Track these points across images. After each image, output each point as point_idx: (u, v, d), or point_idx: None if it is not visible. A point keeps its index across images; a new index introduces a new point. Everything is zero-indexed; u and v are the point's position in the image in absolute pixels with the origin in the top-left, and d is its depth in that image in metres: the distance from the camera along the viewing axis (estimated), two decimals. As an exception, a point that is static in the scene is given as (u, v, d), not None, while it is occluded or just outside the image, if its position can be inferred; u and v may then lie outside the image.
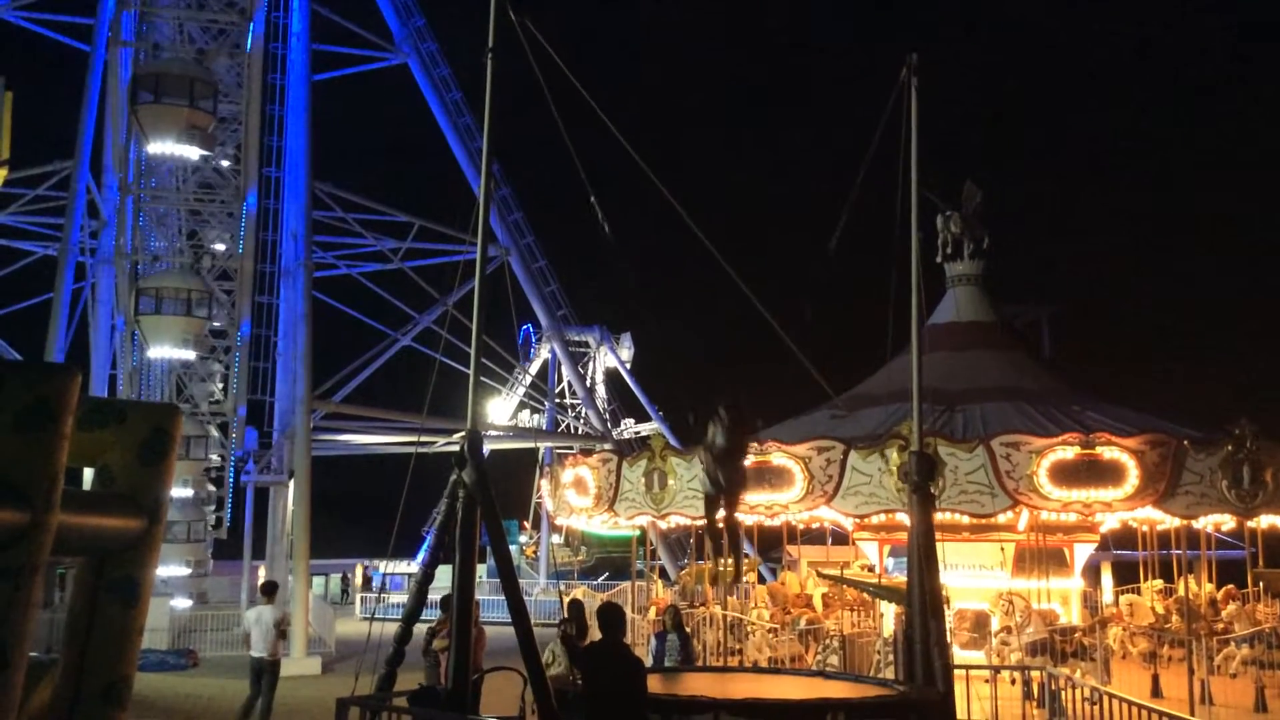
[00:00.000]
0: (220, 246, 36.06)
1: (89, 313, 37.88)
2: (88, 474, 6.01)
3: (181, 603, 31.71)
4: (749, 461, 14.09)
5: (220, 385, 36.13)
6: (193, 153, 34.17)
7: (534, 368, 54.36)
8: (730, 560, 13.11)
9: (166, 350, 33.38)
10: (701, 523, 22.19)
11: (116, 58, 35.65)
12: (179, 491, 32.48)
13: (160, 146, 33.69)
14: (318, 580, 43.53)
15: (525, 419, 54.27)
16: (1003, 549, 21.46)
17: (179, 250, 35.90)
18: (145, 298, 33.42)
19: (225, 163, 36.42)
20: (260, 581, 24.05)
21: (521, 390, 53.23)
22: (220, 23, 36.07)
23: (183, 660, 26.83)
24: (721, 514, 12.73)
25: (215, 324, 36.07)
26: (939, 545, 12.29)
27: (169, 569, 32.35)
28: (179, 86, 33.61)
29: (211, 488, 35.91)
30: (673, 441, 31.90)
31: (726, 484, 12.40)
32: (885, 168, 12.69)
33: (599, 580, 47.13)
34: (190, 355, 33.83)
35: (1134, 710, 11.92)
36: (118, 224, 35.22)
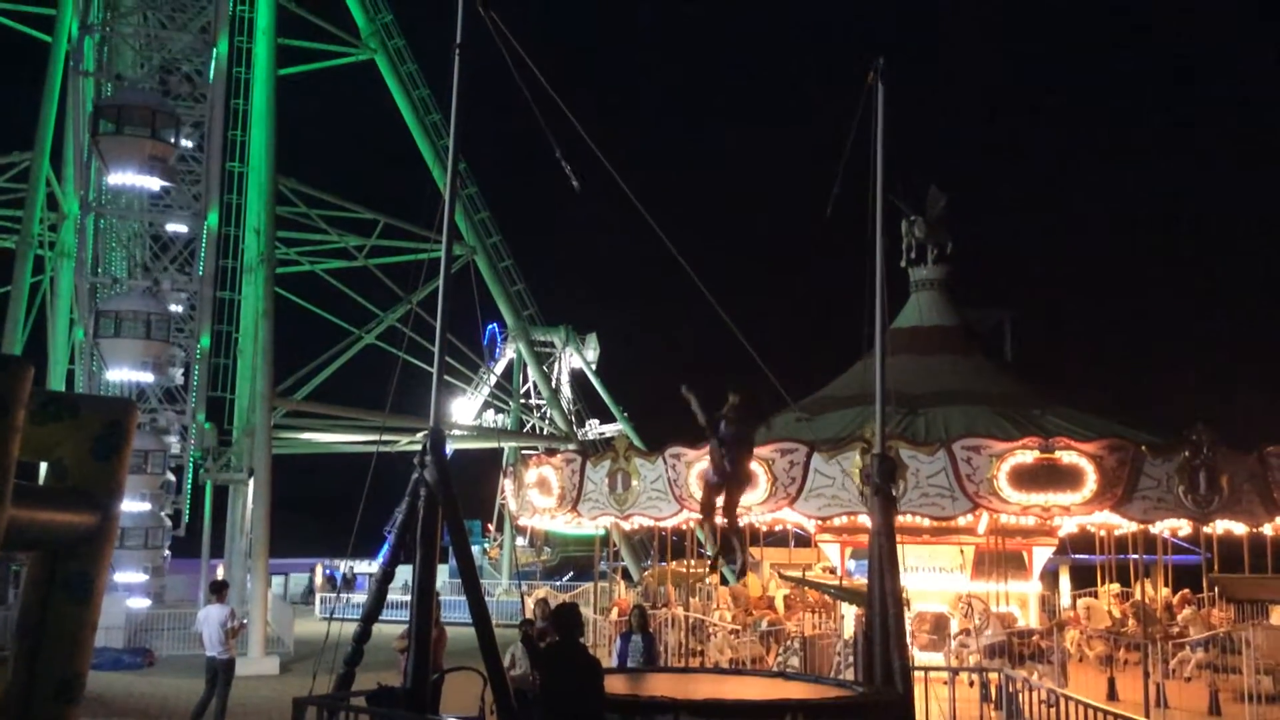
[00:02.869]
0: (182, 228, 35.75)
1: (48, 307, 37.39)
2: (42, 469, 5.92)
3: (138, 602, 31.35)
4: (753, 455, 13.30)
5: (180, 370, 35.79)
6: (153, 183, 34.11)
7: (499, 367, 54.17)
8: (722, 551, 12.59)
9: (125, 373, 33.18)
10: (665, 524, 22.29)
11: (78, 83, 35.34)
12: (136, 505, 32.24)
13: (121, 177, 33.66)
14: (277, 580, 43.19)
15: (490, 419, 54.07)
16: (962, 552, 21.61)
17: (138, 237, 35.51)
18: (105, 320, 33.29)
19: (188, 143, 36.16)
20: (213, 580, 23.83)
21: (486, 390, 53.02)
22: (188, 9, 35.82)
23: (139, 659, 26.54)
24: (721, 506, 12.17)
25: (176, 308, 35.79)
26: (900, 548, 12.35)
27: (126, 574, 31.99)
28: (140, 117, 33.54)
29: (171, 477, 35.58)
30: (636, 442, 31.92)
31: (732, 474, 11.87)
32: (851, 171, 12.73)
33: (562, 580, 47.06)
34: (149, 378, 33.60)
35: (1090, 713, 12.03)
36: (79, 243, 35.00)
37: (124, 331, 33.07)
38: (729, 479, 11.88)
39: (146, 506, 33.59)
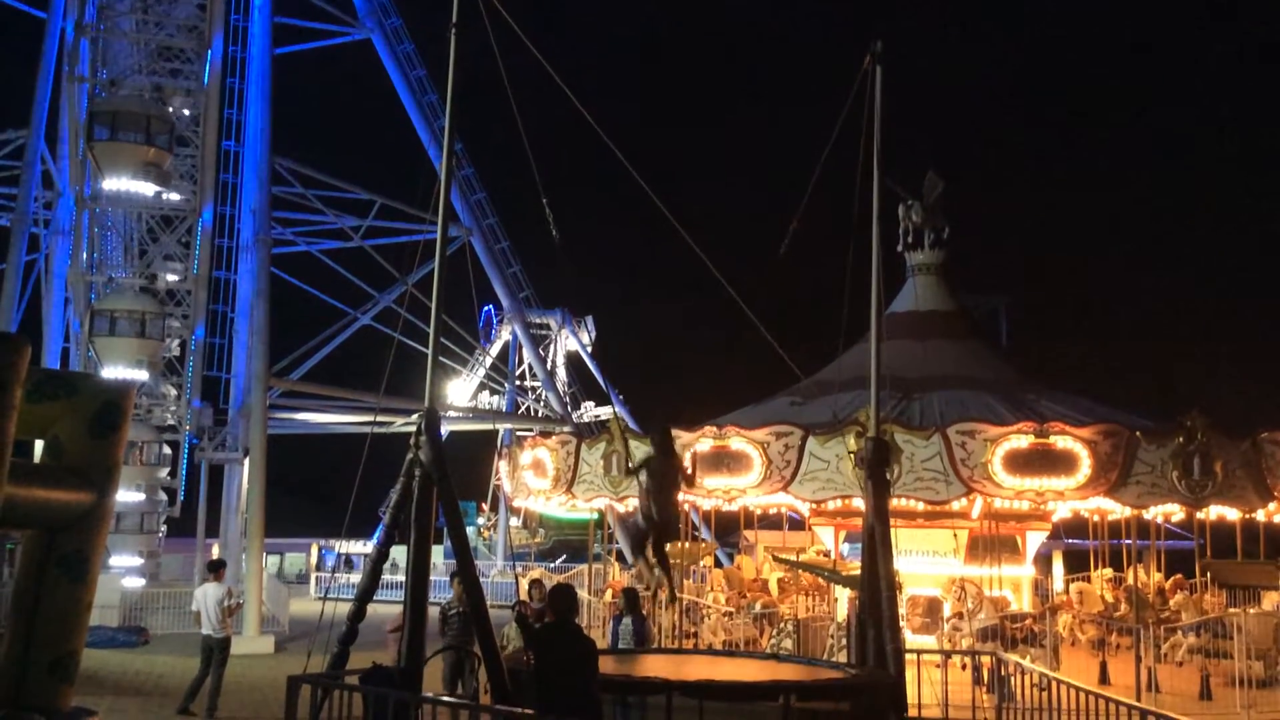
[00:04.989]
0: (177, 196, 35.81)
1: (43, 285, 37.33)
2: (38, 446, 5.90)
3: (133, 581, 31.41)
4: (682, 492, 12.99)
5: (177, 342, 35.83)
6: (148, 189, 34.18)
7: (495, 349, 54.15)
8: (664, 581, 12.57)
9: (120, 371, 33.29)
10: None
11: (73, 88, 35.16)
12: (130, 495, 32.43)
13: (116, 183, 33.74)
14: (272, 559, 43.26)
15: (485, 401, 54.09)
16: (956, 536, 21.68)
17: (135, 214, 35.49)
18: (100, 318, 33.44)
19: (186, 111, 36.18)
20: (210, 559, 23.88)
21: (481, 372, 53.02)
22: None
23: (133, 638, 26.58)
24: (650, 545, 12.03)
25: (172, 278, 35.82)
26: (894, 531, 12.38)
27: (122, 558, 32.07)
28: (135, 123, 33.65)
29: (167, 450, 35.66)
30: (632, 425, 31.95)
31: (658, 519, 11.74)
32: (847, 154, 12.70)
33: (556, 563, 47.15)
34: (144, 375, 33.71)
35: (1082, 696, 12.07)
36: (74, 240, 35.04)
37: (119, 330, 33.27)
38: (654, 524, 11.78)
39: (141, 497, 33.77)
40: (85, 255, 34.86)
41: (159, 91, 36.02)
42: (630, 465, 12.92)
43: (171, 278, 35.82)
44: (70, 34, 35.34)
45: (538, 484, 23.34)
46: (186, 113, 36.28)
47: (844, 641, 16.53)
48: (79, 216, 34.66)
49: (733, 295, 12.97)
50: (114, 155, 33.38)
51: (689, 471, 13.31)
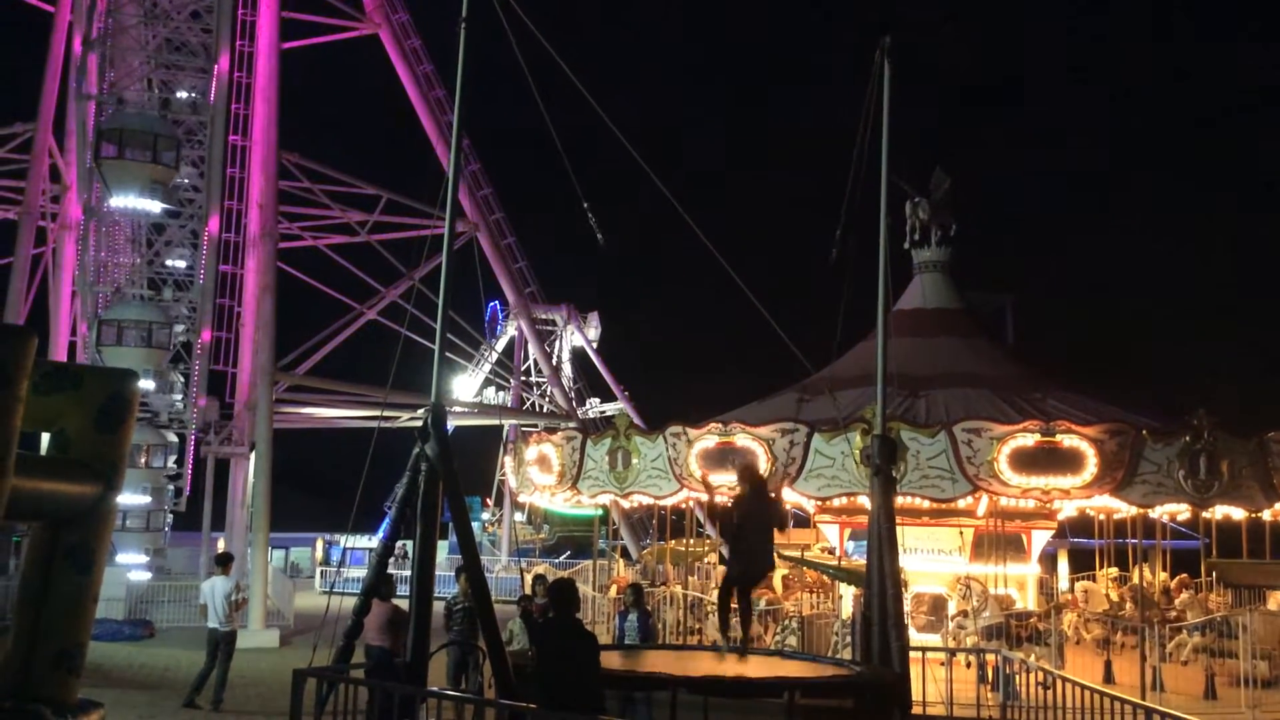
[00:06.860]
0: (184, 181, 35.94)
1: (49, 278, 37.40)
2: (45, 439, 5.90)
3: (139, 574, 31.49)
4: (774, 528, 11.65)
5: (182, 329, 35.91)
6: (154, 206, 34.41)
7: (500, 345, 54.20)
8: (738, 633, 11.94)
9: None
10: (665, 502, 22.32)
11: (82, 106, 35.19)
12: (136, 498, 32.62)
13: (123, 200, 33.91)
14: (277, 554, 43.30)
15: (490, 396, 54.14)
16: (962, 534, 21.66)
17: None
18: (107, 328, 33.71)
19: (186, 94, 36.27)
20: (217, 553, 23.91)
21: (487, 367, 53.08)
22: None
23: (139, 630, 26.62)
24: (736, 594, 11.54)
25: (181, 264, 35.92)
26: (899, 529, 12.36)
27: (127, 556, 32.23)
28: (142, 141, 34.01)
29: (174, 438, 35.80)
30: (637, 421, 31.92)
31: (750, 568, 11.19)
32: (851, 150, 12.66)
33: (560, 558, 47.18)
34: (150, 385, 33.87)
35: (1086, 694, 12.07)
36: (81, 247, 35.18)
37: (126, 341, 33.47)
38: (744, 571, 11.28)
39: (147, 499, 33.93)
40: (93, 261, 34.97)
41: (166, 86, 36.05)
42: (727, 511, 11.93)
43: (179, 264, 35.91)
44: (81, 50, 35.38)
45: (543, 480, 23.35)
46: (190, 95, 36.33)
47: (849, 639, 16.54)
48: (86, 225, 34.81)
49: (743, 288, 12.91)
50: (121, 173, 33.75)
51: (784, 515, 12.57)
